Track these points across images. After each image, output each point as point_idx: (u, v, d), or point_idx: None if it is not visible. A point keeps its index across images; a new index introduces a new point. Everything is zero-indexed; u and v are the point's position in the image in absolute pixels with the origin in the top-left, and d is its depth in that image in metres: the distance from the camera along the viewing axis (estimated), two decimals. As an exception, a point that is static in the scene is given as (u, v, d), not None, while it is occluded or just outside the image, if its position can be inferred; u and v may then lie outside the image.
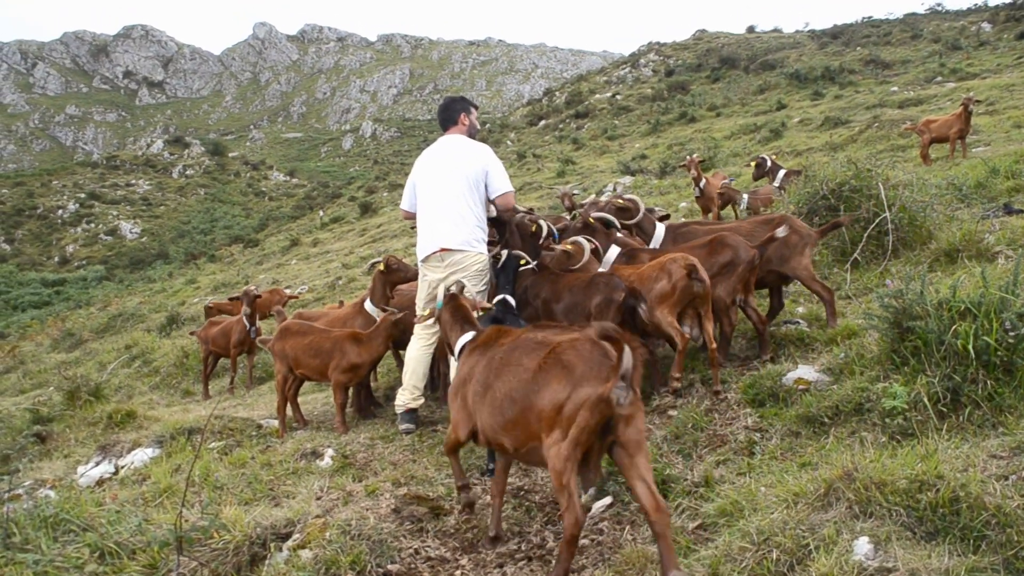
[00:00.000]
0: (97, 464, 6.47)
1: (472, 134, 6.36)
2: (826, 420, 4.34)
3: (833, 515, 3.20)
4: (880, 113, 21.84)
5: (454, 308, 4.62)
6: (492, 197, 6.10)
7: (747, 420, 4.79)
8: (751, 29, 73.50)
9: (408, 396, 6.20)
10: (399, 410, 6.24)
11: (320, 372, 6.65)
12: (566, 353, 3.36)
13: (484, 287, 6.01)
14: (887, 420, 3.98)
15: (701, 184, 11.96)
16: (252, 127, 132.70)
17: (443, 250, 5.99)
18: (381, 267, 6.86)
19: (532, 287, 5.99)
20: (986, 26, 45.77)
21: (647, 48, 69.03)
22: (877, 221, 7.30)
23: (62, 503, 4.41)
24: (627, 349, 3.07)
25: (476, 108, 6.52)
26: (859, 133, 19.32)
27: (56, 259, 67.88)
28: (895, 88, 29.39)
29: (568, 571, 3.37)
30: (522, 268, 5.99)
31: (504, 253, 5.88)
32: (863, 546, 2.96)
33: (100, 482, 6.10)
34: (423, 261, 6.12)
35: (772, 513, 3.36)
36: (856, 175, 7.80)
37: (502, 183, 6.08)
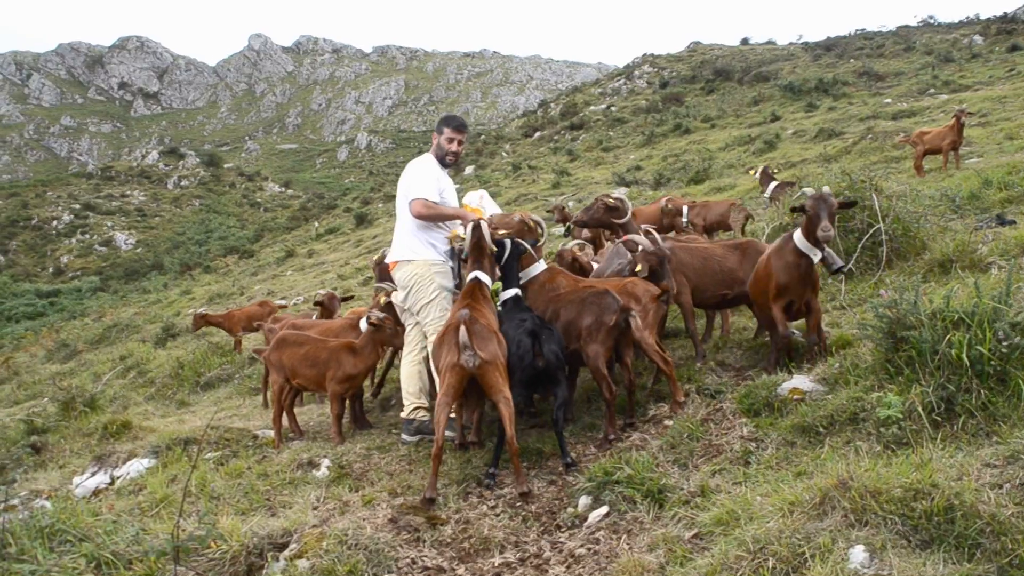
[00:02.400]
0: (93, 475, 6.46)
1: (439, 155, 6.43)
2: (821, 430, 4.36)
3: (829, 524, 3.21)
4: (874, 125, 21.94)
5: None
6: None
7: (742, 430, 4.81)
8: (745, 41, 73.87)
9: (408, 409, 6.26)
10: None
11: (317, 382, 6.66)
12: (446, 334, 5.09)
13: (436, 293, 6.15)
14: (882, 429, 3.99)
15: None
16: (247, 138, 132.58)
17: (392, 267, 6.40)
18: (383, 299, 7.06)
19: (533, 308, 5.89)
20: (978, 39, 46.07)
21: (642, 60, 69.20)
22: (871, 232, 7.34)
23: (58, 513, 4.40)
24: (462, 328, 4.71)
25: (454, 128, 6.44)
26: (853, 145, 19.41)
27: (50, 270, 67.66)
28: (888, 100, 29.55)
29: (435, 484, 4.79)
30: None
31: (506, 243, 5.84)
32: (859, 554, 2.98)
33: (96, 492, 6.09)
34: None
35: (768, 522, 3.37)
36: (850, 186, 7.85)
37: (411, 190, 6.18)
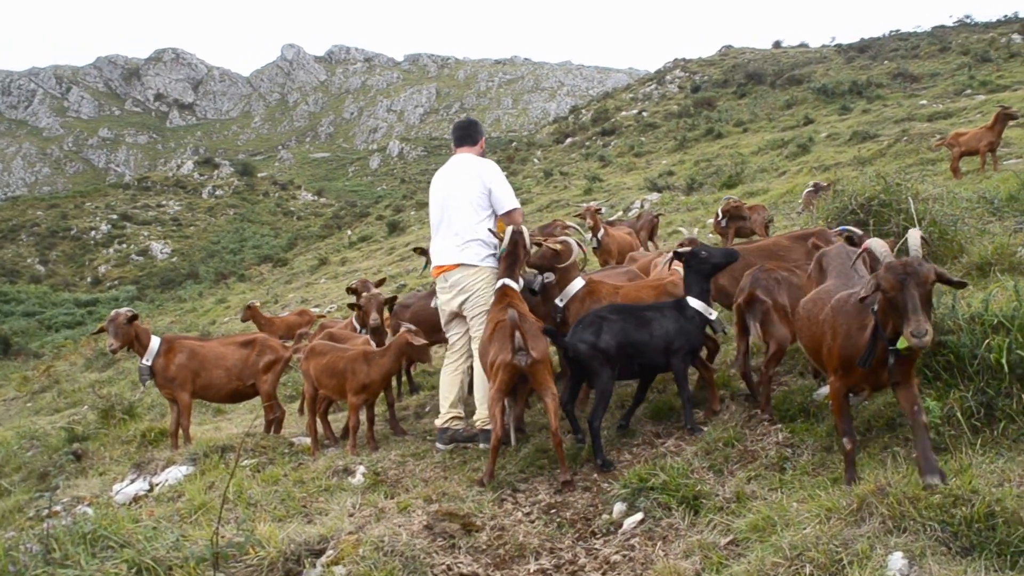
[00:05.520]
0: (132, 481, 6.54)
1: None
2: (857, 436, 4.32)
3: (866, 530, 3.19)
4: (909, 127, 21.71)
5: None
6: (499, 215, 6.17)
7: (778, 436, 4.79)
8: (777, 44, 73.26)
9: (443, 418, 6.24)
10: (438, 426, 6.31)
11: (338, 392, 6.66)
12: (495, 332, 5.34)
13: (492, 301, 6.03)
14: (920, 435, 3.95)
15: (599, 235, 10.91)
16: (280, 147, 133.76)
17: (443, 270, 6.17)
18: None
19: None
20: (1016, 38, 45.33)
21: (673, 64, 68.92)
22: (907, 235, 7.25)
23: (99, 520, 4.46)
24: (517, 333, 4.96)
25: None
26: (888, 147, 19.22)
27: (89, 280, 68.71)
28: (924, 101, 29.20)
29: (493, 472, 5.22)
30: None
31: (690, 250, 5.61)
32: (897, 561, 2.96)
33: (136, 499, 6.17)
34: (432, 276, 6.37)
35: (805, 528, 3.36)
36: (885, 189, 7.76)
37: (508, 200, 6.13)
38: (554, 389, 5.13)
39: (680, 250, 5.63)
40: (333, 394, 6.74)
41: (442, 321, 6.45)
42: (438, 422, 6.27)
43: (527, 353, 4.99)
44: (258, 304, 14.49)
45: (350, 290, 8.23)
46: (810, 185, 12.78)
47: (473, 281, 6.05)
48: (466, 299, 6.09)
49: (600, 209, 11.87)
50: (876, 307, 3.59)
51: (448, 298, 6.21)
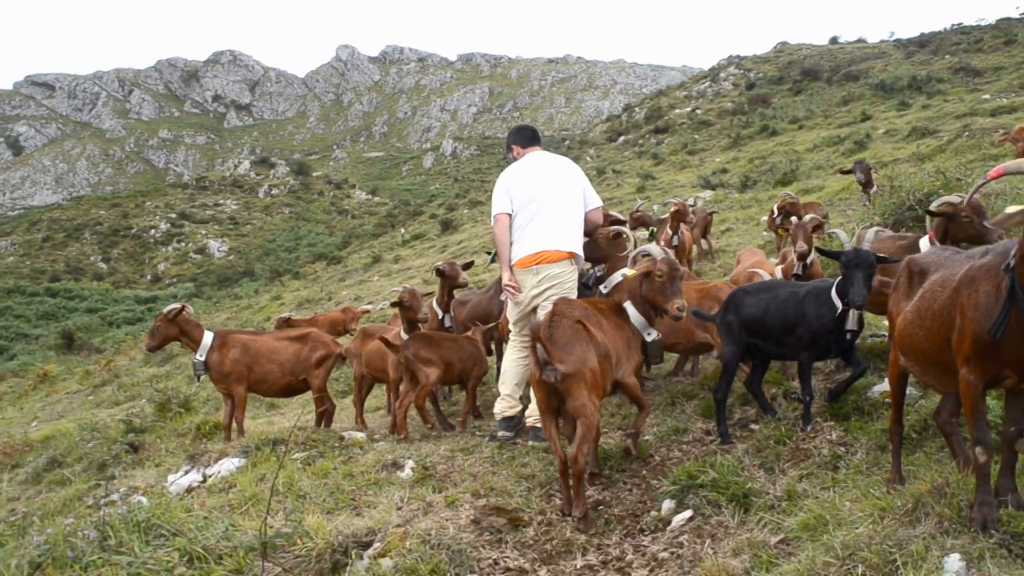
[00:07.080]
0: (186, 473, 6.66)
1: None
2: (914, 435, 4.23)
3: (922, 531, 3.11)
4: (971, 122, 21.20)
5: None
6: (587, 210, 6.18)
7: (831, 434, 4.70)
8: (834, 40, 72.06)
9: (504, 404, 6.22)
10: (497, 418, 6.28)
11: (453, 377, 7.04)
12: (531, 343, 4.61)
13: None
14: (979, 435, 3.84)
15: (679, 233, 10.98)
16: (335, 147, 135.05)
17: (541, 260, 5.90)
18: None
19: None
20: (1084, 31, 44.01)
21: (727, 62, 68.24)
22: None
23: (153, 509, 4.56)
24: (539, 345, 4.35)
25: None
26: (948, 143, 18.77)
27: (148, 277, 70.31)
28: (987, 96, 28.44)
29: (584, 502, 4.44)
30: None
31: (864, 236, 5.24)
32: (954, 563, 2.88)
33: (189, 490, 6.27)
34: (516, 266, 6.01)
35: (857, 528, 3.29)
36: (945, 185, 7.59)
37: (596, 197, 6.27)
38: (588, 410, 4.40)
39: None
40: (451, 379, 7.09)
41: (516, 312, 6.15)
42: (500, 409, 6.23)
43: (553, 367, 4.32)
44: (291, 315, 14.39)
45: (439, 272, 7.76)
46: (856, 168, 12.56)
47: (569, 276, 5.93)
48: (554, 293, 5.82)
49: (648, 214, 11.78)
50: (1012, 260, 2.95)
51: (536, 292, 5.92)
